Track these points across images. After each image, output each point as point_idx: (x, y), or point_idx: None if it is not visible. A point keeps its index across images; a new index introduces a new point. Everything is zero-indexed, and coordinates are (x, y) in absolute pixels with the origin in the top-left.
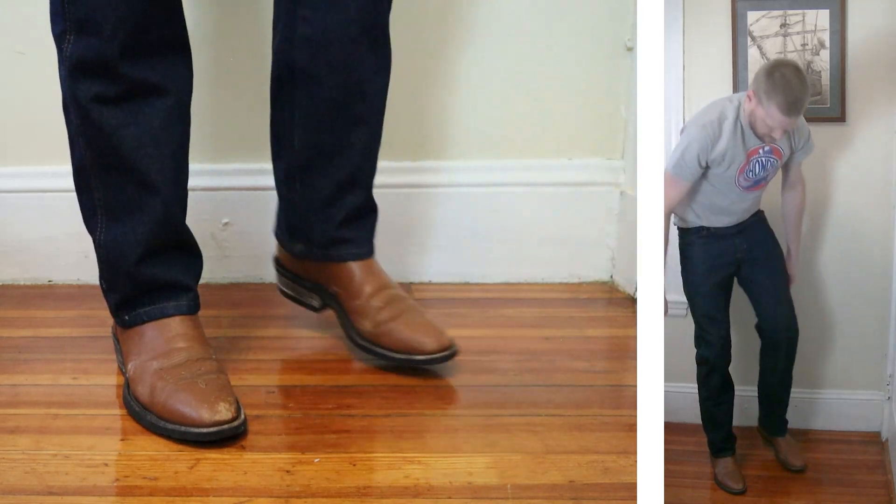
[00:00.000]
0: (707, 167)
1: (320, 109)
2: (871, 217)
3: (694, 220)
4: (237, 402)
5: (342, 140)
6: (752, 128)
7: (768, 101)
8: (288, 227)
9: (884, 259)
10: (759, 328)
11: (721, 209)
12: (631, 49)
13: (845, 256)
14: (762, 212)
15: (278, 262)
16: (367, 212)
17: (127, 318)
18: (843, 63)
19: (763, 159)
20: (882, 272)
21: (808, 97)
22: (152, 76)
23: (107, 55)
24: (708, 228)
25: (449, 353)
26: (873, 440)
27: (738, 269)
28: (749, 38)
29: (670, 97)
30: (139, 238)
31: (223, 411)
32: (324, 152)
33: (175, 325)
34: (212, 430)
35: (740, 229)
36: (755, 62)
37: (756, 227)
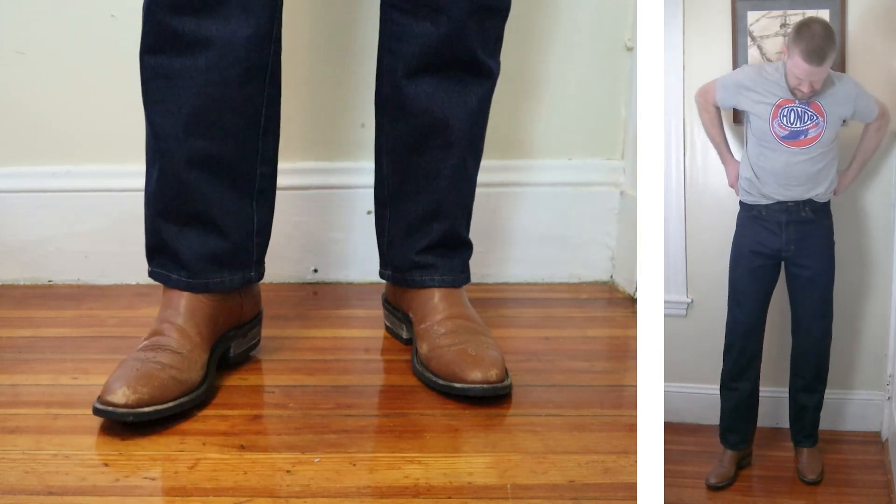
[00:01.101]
0: (743, 111)
1: (406, 135)
2: (871, 216)
3: (752, 188)
4: (153, 395)
5: (429, 167)
6: (787, 80)
7: (794, 49)
8: (380, 250)
9: (884, 258)
10: (792, 332)
11: (771, 169)
12: (631, 49)
13: (845, 256)
14: (828, 212)
15: (384, 296)
16: (455, 243)
17: (150, 268)
18: (843, 63)
19: (798, 109)
20: (882, 271)
21: (831, 49)
22: (192, 31)
23: (152, 4)
24: (760, 209)
25: (490, 387)
26: (873, 440)
27: (783, 265)
28: (749, 38)
29: (670, 97)
30: (153, 192)
31: (119, 395)
32: (411, 179)
33: (172, 310)
34: (99, 406)
35: (793, 219)
36: (755, 62)
37: (811, 228)
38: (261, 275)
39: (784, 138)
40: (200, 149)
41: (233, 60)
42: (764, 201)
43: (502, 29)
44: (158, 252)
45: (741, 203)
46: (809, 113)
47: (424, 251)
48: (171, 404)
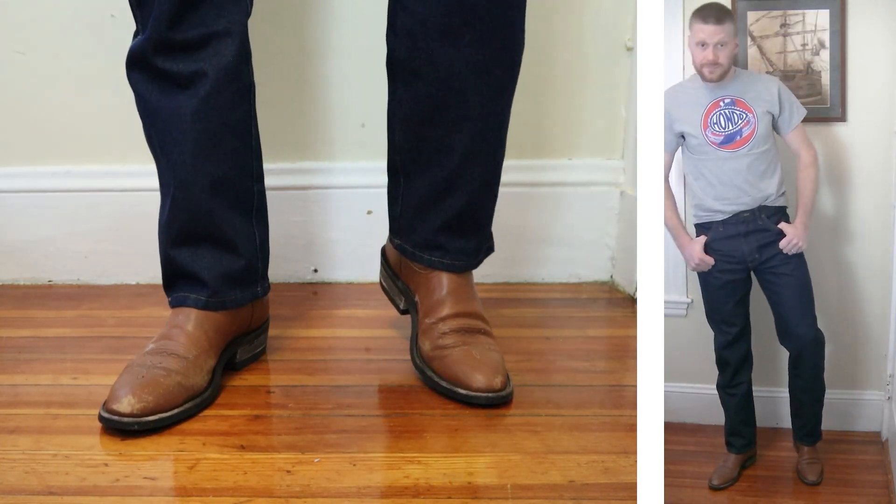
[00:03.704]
0: (682, 137)
1: (419, 106)
2: (871, 217)
3: (704, 208)
4: (158, 403)
5: (442, 141)
6: (695, 67)
7: (693, 21)
8: (391, 218)
9: (884, 259)
10: (780, 339)
11: (718, 180)
12: (631, 49)
13: (845, 256)
14: (784, 215)
15: (383, 253)
16: (472, 224)
17: (169, 299)
18: (843, 63)
19: (727, 111)
20: (882, 272)
21: (727, 16)
22: (185, 68)
23: (143, 50)
24: (717, 226)
25: (495, 395)
26: (873, 440)
27: (754, 275)
28: (749, 38)
29: None
30: (166, 221)
31: (125, 404)
32: (424, 151)
33: (183, 316)
34: (104, 415)
35: (750, 230)
36: (755, 62)
37: (769, 234)
38: (266, 289)
39: (721, 144)
40: (208, 172)
41: (226, 83)
42: (719, 217)
43: None
44: (177, 279)
45: (697, 227)
46: (738, 112)
47: (438, 231)
48: (175, 411)
